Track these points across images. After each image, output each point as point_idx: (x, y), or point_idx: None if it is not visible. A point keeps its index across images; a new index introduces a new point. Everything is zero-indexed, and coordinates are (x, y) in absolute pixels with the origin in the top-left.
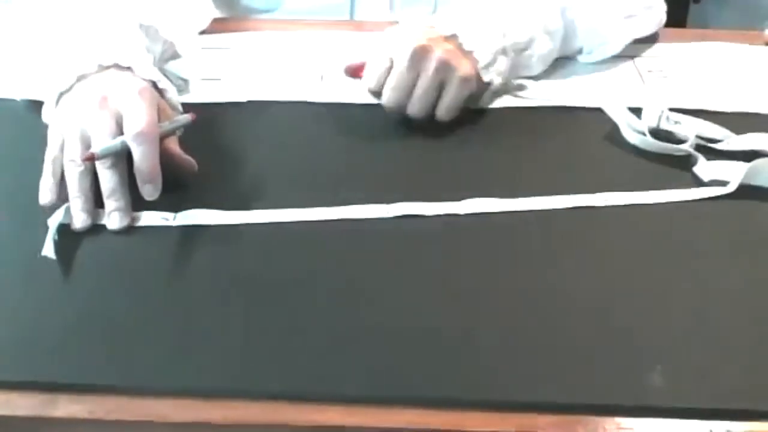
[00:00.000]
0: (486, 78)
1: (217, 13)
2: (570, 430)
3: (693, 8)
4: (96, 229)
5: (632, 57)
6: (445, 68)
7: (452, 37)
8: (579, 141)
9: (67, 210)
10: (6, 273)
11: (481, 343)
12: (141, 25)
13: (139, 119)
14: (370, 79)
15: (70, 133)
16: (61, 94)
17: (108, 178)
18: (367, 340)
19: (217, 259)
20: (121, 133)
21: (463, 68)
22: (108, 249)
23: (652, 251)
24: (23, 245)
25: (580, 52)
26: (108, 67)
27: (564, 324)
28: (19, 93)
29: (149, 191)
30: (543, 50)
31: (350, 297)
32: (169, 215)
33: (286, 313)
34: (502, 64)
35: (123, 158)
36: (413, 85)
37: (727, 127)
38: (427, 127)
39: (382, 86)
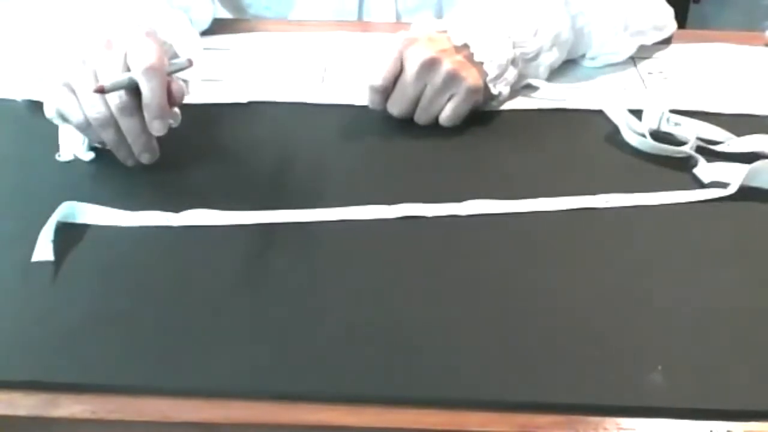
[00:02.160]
0: (494, 90)
1: (223, 13)
2: (570, 431)
3: (693, 8)
4: (96, 229)
5: (633, 59)
6: (453, 80)
7: (463, 47)
8: (579, 142)
9: (67, 209)
10: (7, 273)
11: (482, 343)
12: (139, 27)
13: (148, 55)
14: (376, 78)
15: (79, 75)
16: None
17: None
18: (368, 340)
19: (217, 259)
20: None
21: (471, 79)
22: (109, 249)
23: (652, 252)
24: (24, 245)
25: (583, 56)
26: None
27: (564, 324)
28: (19, 93)
29: (158, 127)
30: (551, 59)
31: (351, 297)
32: (171, 215)
33: (286, 313)
34: (511, 74)
35: (133, 95)
36: (420, 95)
37: (728, 129)
38: (428, 128)
39: (386, 89)
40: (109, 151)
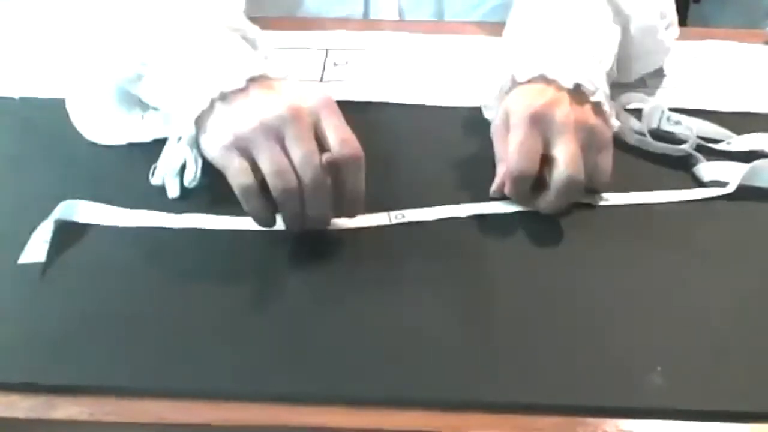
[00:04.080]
0: (615, 124)
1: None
2: None
3: (693, 8)
4: (95, 229)
5: None
6: (597, 136)
7: (577, 91)
8: None
9: (65, 209)
10: (6, 273)
11: (481, 344)
12: (230, 28)
13: (350, 142)
14: (520, 167)
15: (264, 145)
16: (202, 115)
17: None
18: (368, 341)
19: (216, 260)
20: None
21: (606, 127)
22: (108, 250)
23: (651, 252)
24: (21, 245)
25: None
26: (255, 80)
27: (564, 325)
28: (18, 91)
29: (354, 212)
30: (613, 76)
31: (350, 298)
32: (170, 216)
33: (286, 314)
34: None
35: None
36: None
37: (728, 128)
38: (427, 129)
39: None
40: (108, 151)
